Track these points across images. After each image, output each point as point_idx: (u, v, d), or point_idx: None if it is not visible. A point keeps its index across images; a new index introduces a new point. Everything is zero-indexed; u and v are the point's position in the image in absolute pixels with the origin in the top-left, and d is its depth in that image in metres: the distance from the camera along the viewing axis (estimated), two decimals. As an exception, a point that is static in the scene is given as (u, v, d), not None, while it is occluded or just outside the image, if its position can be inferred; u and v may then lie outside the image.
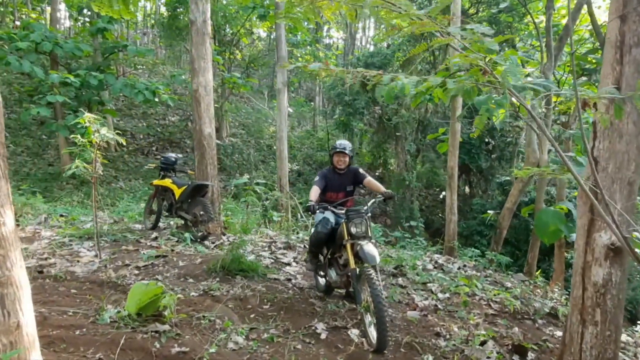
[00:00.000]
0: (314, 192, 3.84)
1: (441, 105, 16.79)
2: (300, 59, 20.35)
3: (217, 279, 4.05)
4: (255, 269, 4.34)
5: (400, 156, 17.32)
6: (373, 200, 3.78)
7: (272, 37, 18.78)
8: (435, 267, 6.09)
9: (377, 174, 19.90)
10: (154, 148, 16.06)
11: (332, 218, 3.89)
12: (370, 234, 3.48)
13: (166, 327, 2.79)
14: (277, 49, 11.73)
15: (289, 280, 4.41)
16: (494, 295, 4.98)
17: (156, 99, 11.95)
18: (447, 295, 4.68)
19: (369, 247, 3.33)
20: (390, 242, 8.78)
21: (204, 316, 3.10)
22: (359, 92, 16.24)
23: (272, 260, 5.01)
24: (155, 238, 5.48)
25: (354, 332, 3.30)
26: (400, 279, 5.08)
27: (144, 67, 21.27)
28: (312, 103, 24.86)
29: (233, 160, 16.74)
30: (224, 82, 15.99)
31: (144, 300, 2.82)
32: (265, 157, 18.13)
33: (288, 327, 3.23)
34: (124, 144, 4.49)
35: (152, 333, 2.70)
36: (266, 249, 5.61)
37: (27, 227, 5.66)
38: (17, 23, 17.75)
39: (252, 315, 3.38)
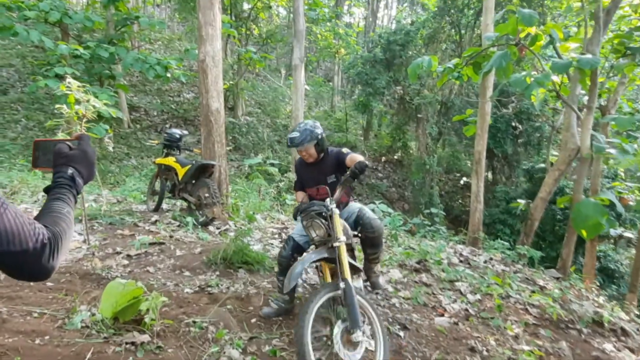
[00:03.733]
0: (298, 194, 3.17)
1: (466, 87, 15.92)
2: (319, 35, 19.57)
3: (217, 273, 3.55)
4: (261, 261, 3.83)
5: (421, 139, 16.58)
6: (340, 185, 2.71)
7: (291, 15, 18.02)
8: (460, 261, 5.53)
9: (395, 157, 19.19)
10: (167, 125, 15.65)
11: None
12: (336, 234, 2.51)
13: (145, 337, 2.29)
14: (295, 22, 11.04)
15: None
16: (530, 297, 4.41)
17: (168, 75, 11.43)
18: (478, 296, 4.12)
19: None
20: (410, 231, 8.21)
21: (194, 321, 2.60)
22: (380, 70, 15.48)
23: (282, 251, 4.49)
24: (155, 222, 5.01)
25: (373, 344, 2.77)
26: (424, 275, 4.52)
27: (160, 42, 20.76)
28: (330, 83, 24.09)
29: (248, 139, 16.26)
30: (240, 59, 15.36)
31: (121, 303, 2.33)
32: (281, 137, 17.58)
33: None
34: (114, 116, 3.98)
35: (127, 345, 2.21)
36: (276, 236, 5.10)
37: (20, 205, 5.25)
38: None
39: (253, 320, 2.87)
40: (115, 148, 13.13)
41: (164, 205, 5.98)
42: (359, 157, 2.74)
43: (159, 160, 5.80)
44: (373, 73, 15.30)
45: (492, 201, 14.38)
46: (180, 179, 5.37)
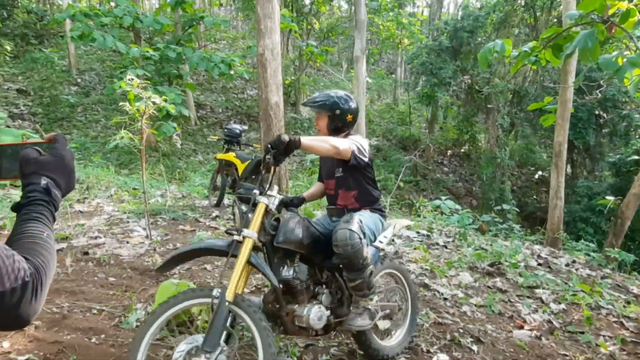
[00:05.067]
0: (314, 186, 2.57)
1: (542, 74, 14.72)
2: (381, 27, 19.08)
3: (274, 272, 3.43)
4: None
5: (491, 131, 15.60)
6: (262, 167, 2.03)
7: (352, 8, 17.72)
8: (539, 264, 5.01)
9: (462, 150, 18.28)
10: (232, 122, 16.08)
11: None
12: (244, 225, 1.92)
13: (197, 341, 2.20)
14: (356, 12, 10.75)
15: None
16: (625, 308, 3.86)
17: (232, 72, 11.67)
18: (563, 306, 3.66)
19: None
20: (480, 229, 7.66)
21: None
22: (445, 60, 14.74)
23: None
24: (215, 217, 5.02)
25: (442, 359, 2.49)
26: (498, 279, 4.12)
27: (225, 41, 21.38)
28: (393, 75, 23.47)
29: (309, 134, 16.27)
30: (301, 54, 15.36)
31: (174, 303, 2.25)
32: (342, 132, 17.41)
33: (355, 347, 2.50)
34: (172, 111, 4.00)
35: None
36: (336, 234, 4.91)
37: (94, 200, 5.51)
38: (112, 4, 18.57)
39: (310, 324, 2.69)
40: (183, 145, 13.67)
41: (226, 201, 6.02)
42: (342, 139, 2.10)
43: (219, 155, 5.84)
44: (438, 62, 14.60)
45: (572, 197, 13.21)
46: (240, 174, 5.36)
